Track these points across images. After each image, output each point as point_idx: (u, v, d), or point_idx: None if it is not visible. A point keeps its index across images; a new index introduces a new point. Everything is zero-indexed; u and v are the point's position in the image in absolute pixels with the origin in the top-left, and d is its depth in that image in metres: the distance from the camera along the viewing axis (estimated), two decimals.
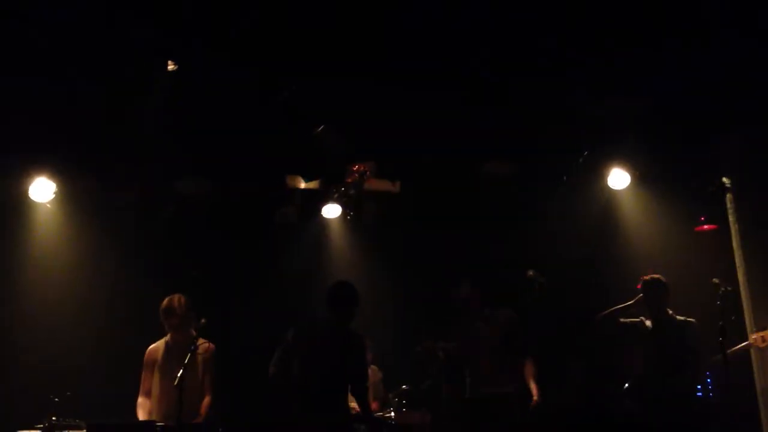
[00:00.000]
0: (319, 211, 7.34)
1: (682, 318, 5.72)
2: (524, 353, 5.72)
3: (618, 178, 6.87)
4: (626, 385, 5.69)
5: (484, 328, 5.83)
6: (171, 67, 5.88)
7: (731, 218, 6.70)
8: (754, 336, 5.60)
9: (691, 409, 5.50)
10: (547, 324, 5.80)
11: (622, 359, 5.86)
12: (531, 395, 5.67)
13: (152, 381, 5.32)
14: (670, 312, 5.74)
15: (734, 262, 6.54)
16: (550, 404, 5.58)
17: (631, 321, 5.83)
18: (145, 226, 6.98)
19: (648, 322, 5.78)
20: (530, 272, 5.95)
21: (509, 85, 6.04)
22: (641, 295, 5.77)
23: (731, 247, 6.61)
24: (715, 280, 5.77)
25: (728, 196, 6.75)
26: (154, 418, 5.17)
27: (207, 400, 5.27)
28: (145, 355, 5.40)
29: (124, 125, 6.07)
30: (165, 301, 5.36)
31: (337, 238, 7.66)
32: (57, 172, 6.53)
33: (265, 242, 7.27)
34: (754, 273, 6.41)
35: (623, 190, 6.99)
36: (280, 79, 5.89)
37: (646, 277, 5.77)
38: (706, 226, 6.58)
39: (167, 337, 5.40)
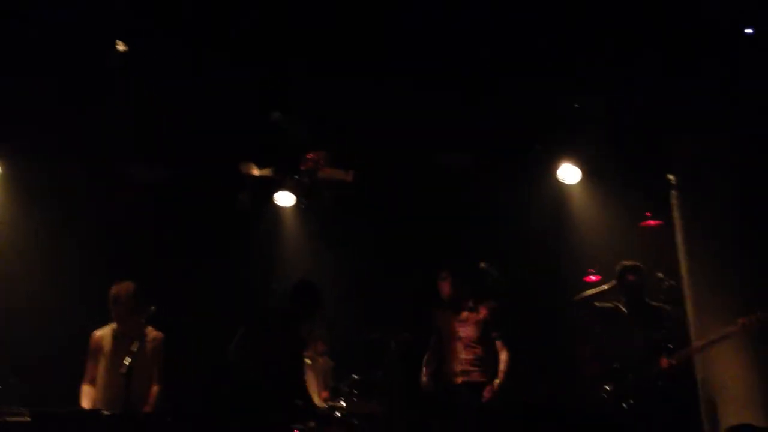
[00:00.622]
0: (273, 198, 7.30)
1: (657, 304, 5.74)
2: (503, 345, 5.75)
3: (568, 173, 6.98)
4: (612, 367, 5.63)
5: (465, 320, 5.87)
6: (121, 48, 5.76)
7: (675, 214, 6.88)
8: (741, 320, 5.38)
9: (671, 394, 5.47)
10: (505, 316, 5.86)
11: (574, 350, 5.92)
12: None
13: (97, 369, 5.23)
14: (646, 298, 5.76)
15: (678, 258, 6.72)
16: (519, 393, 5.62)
17: (607, 305, 5.79)
18: (93, 210, 6.83)
19: (623, 308, 5.74)
20: (482, 264, 5.97)
21: (465, 77, 6.09)
22: (615, 281, 5.74)
23: (675, 242, 6.79)
24: (659, 275, 5.94)
25: (673, 192, 6.94)
26: (99, 406, 5.06)
27: (155, 389, 5.20)
28: (91, 342, 5.27)
29: (75, 108, 5.93)
30: (113, 289, 5.25)
31: (291, 226, 7.64)
32: (2, 153, 6.35)
33: (218, 229, 7.19)
34: (697, 268, 6.58)
35: (573, 184, 7.12)
36: (241, 67, 5.84)
37: (625, 263, 5.75)
38: (651, 222, 6.72)
39: (114, 325, 5.29)
